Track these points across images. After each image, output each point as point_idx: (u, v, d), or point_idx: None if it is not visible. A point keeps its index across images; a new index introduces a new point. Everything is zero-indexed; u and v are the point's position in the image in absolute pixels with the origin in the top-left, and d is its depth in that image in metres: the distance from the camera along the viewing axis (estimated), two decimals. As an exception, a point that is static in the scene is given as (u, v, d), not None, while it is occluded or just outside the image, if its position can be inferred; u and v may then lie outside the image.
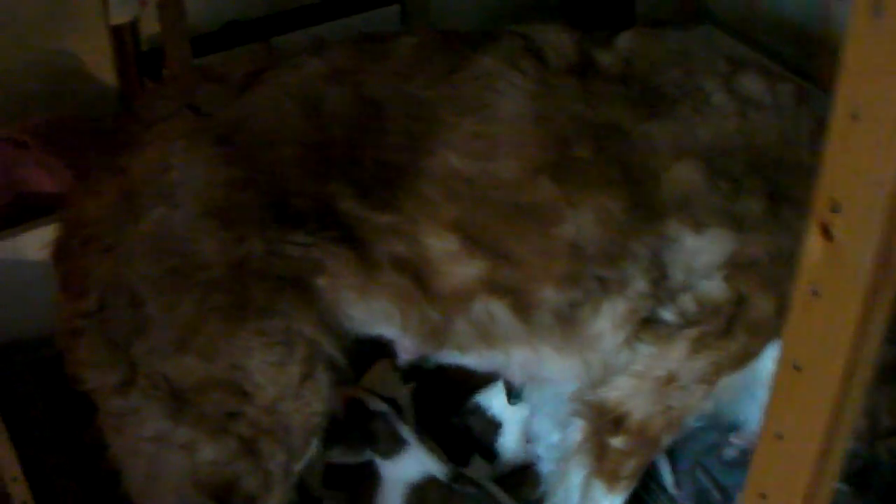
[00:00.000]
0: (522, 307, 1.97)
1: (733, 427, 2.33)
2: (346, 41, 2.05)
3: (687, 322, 1.98)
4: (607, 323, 1.99)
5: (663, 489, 2.39)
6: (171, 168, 1.90)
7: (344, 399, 2.28)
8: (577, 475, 2.17)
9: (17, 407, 2.40)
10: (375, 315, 2.00)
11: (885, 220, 0.89)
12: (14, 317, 2.51)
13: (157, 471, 1.97)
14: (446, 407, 2.44)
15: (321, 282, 1.93)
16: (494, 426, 2.38)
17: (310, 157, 1.92)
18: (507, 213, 1.93)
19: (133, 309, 1.87)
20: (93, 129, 2.84)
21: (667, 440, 2.13)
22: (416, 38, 2.06)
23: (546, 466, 2.35)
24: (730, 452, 2.35)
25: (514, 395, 2.38)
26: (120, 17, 2.55)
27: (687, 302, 1.97)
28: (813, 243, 0.97)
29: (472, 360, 2.12)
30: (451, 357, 2.13)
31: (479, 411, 2.40)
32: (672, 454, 2.38)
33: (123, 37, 2.88)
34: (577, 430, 2.14)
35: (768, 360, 2.03)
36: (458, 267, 1.94)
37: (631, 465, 2.12)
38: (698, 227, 1.93)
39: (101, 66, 2.97)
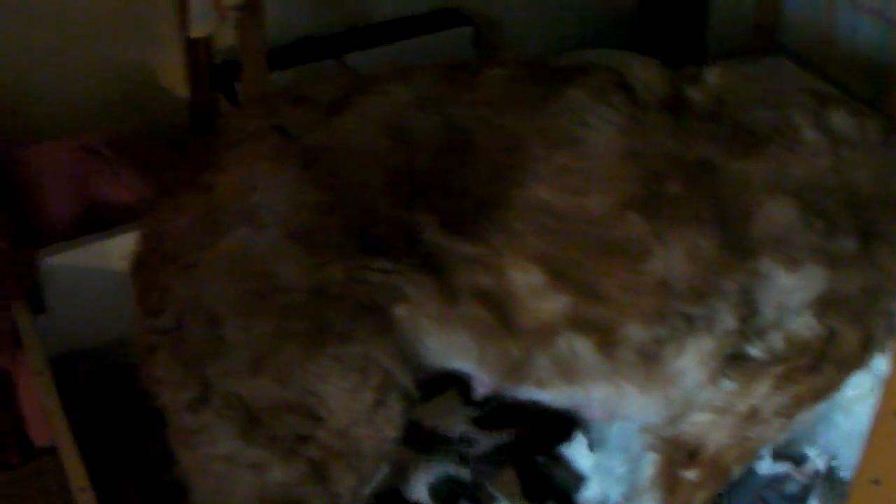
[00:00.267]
0: (606, 344, 1.96)
1: (800, 459, 2.33)
2: (434, 69, 2.05)
3: (774, 358, 1.97)
4: (692, 360, 1.97)
5: None
6: (256, 189, 1.90)
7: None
8: None
9: (82, 417, 2.40)
10: (454, 347, 2.00)
11: None
12: (80, 326, 2.52)
13: (226, 489, 1.97)
14: (528, 444, 2.44)
15: (400, 310, 1.92)
16: (577, 479, 2.37)
17: (396, 185, 1.91)
18: (596, 248, 1.92)
19: (210, 328, 1.87)
20: (165, 141, 2.85)
21: (738, 471, 2.12)
22: (506, 69, 2.05)
23: (613, 500, 2.33)
24: (791, 487, 2.34)
25: (594, 443, 2.37)
26: (200, 30, 2.53)
27: (776, 339, 1.96)
28: None
29: (550, 396, 2.10)
30: (529, 393, 2.11)
31: (564, 463, 2.39)
32: (733, 487, 2.33)
33: (197, 49, 2.89)
34: (650, 465, 2.12)
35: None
36: (542, 301, 1.93)
37: (701, 497, 2.11)
38: (792, 264, 1.92)
39: (173, 78, 2.97)
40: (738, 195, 1.93)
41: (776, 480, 2.35)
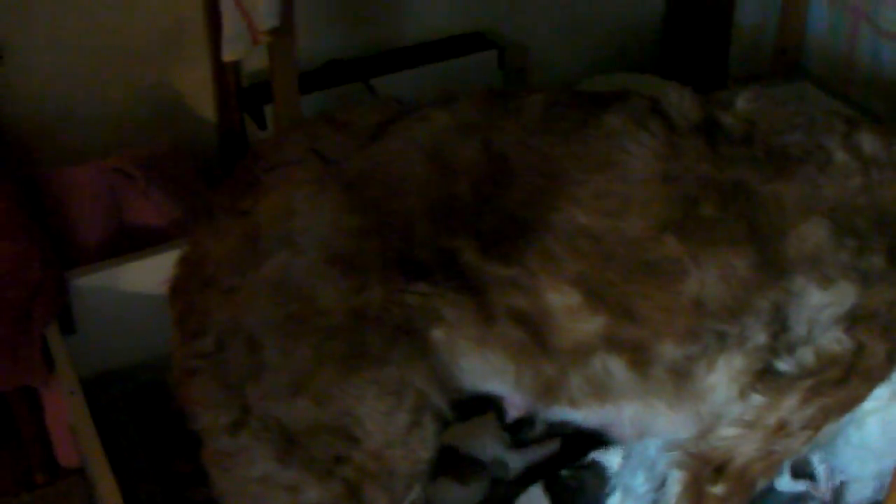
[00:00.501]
0: (640, 363, 1.98)
1: (815, 476, 2.34)
2: (474, 95, 2.08)
3: (803, 372, 2.00)
4: (723, 376, 2.00)
5: None
6: (296, 213, 1.92)
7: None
8: None
9: (112, 436, 2.40)
10: (489, 368, 2.01)
11: None
12: (110, 347, 2.53)
13: None
14: (557, 460, 2.45)
15: (438, 332, 1.94)
16: (607, 485, 2.37)
17: (436, 209, 1.93)
18: (632, 269, 1.94)
19: (250, 352, 1.89)
20: (195, 163, 2.89)
21: (763, 484, 2.13)
22: (544, 96, 2.07)
23: None
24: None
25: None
26: (233, 53, 2.54)
27: (807, 354, 1.99)
28: None
29: (582, 415, 2.12)
30: (561, 413, 2.13)
31: (597, 468, 2.39)
32: None
33: (226, 72, 2.92)
34: (676, 482, 2.13)
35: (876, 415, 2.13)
36: (578, 323, 1.95)
37: None
38: (824, 282, 1.95)
39: (203, 100, 3.02)
40: (771, 216, 1.96)
41: (796, 499, 2.36)
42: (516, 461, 2.42)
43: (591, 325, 1.95)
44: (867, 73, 3.10)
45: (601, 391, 2.02)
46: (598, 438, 2.36)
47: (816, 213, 1.97)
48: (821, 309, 1.97)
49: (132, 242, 2.61)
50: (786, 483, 2.34)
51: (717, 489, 2.09)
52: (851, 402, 2.05)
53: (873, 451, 2.20)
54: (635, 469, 2.35)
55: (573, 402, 2.05)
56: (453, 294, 1.93)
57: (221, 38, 2.58)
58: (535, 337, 1.96)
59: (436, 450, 2.02)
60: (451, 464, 2.35)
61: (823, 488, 2.33)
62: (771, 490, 2.34)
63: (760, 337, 1.97)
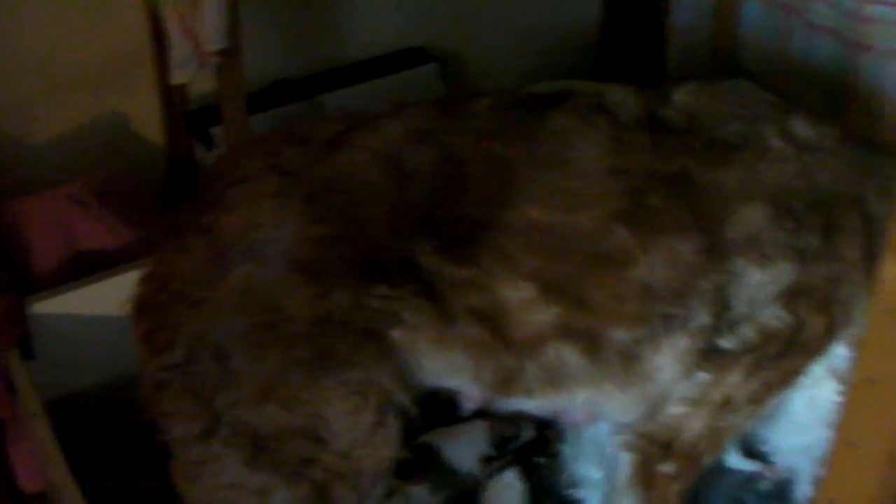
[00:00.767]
0: (592, 349, 2.07)
1: (765, 457, 2.43)
2: (424, 103, 2.18)
3: (746, 349, 2.11)
4: (669, 357, 2.10)
5: None
6: (260, 226, 2.00)
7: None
8: None
9: (78, 457, 2.43)
10: (449, 365, 2.09)
11: None
12: (73, 369, 2.59)
13: None
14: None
15: (399, 334, 2.02)
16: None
17: (394, 215, 2.02)
18: (584, 261, 2.04)
19: (219, 362, 1.96)
20: (148, 188, 2.96)
21: (710, 461, 2.24)
22: (491, 99, 2.19)
23: None
24: (765, 485, 2.44)
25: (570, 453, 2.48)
26: (181, 77, 2.61)
27: (747, 331, 2.10)
28: (889, 268, 1.11)
29: (536, 404, 2.20)
30: (517, 403, 2.21)
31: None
32: (708, 489, 2.45)
33: (173, 96, 2.96)
34: (626, 463, 2.23)
35: (802, 391, 2.25)
36: (534, 315, 2.04)
37: (676, 489, 2.22)
38: (764, 261, 2.07)
39: (151, 126, 3.06)
40: (713, 202, 2.08)
41: (749, 479, 2.45)
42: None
43: (545, 316, 2.04)
44: (801, 67, 3.18)
45: (555, 379, 2.11)
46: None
47: (755, 197, 2.09)
48: (760, 287, 2.08)
49: (88, 267, 2.67)
50: (737, 461, 2.43)
51: (667, 467, 2.19)
52: (792, 375, 2.17)
53: (797, 425, 2.32)
54: (588, 458, 2.45)
55: (529, 392, 2.14)
56: (413, 297, 2.01)
57: (168, 63, 2.64)
58: (493, 332, 2.05)
59: (399, 446, 2.09)
60: (428, 466, 2.44)
61: (776, 469, 2.42)
62: (724, 469, 2.43)
63: (704, 317, 2.07)
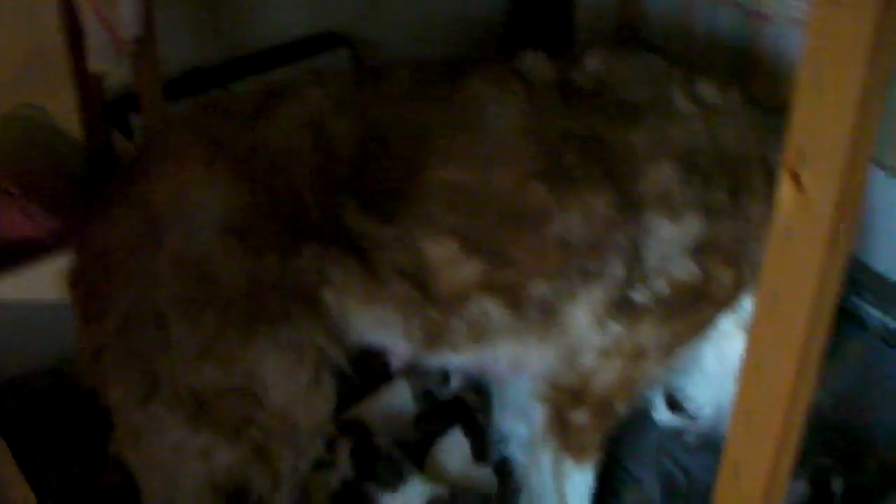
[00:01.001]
0: (514, 303, 2.17)
1: (689, 412, 2.54)
2: (344, 72, 2.28)
3: (657, 300, 2.21)
4: (583, 309, 2.20)
5: (628, 472, 2.57)
6: (191, 193, 2.07)
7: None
8: (546, 458, 2.35)
9: (17, 444, 2.54)
10: (378, 322, 2.18)
11: (843, 168, 1.13)
12: (2, 357, 2.67)
13: (176, 479, 2.13)
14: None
15: (328, 293, 2.10)
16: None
17: (319, 179, 2.10)
18: (503, 217, 2.14)
19: (157, 326, 2.03)
20: (68, 178, 3.03)
21: (623, 410, 2.34)
22: (410, 68, 2.29)
23: (519, 462, 2.52)
24: (690, 439, 2.57)
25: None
26: (100, 65, 2.67)
27: (659, 283, 2.20)
28: (785, 189, 1.20)
29: (461, 359, 2.30)
30: (443, 359, 2.31)
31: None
32: (635, 443, 2.59)
33: (90, 87, 3.03)
34: (541, 414, 2.32)
35: (711, 344, 2.37)
36: (457, 270, 2.13)
37: (593, 438, 2.32)
38: (674, 216, 2.17)
39: (69, 117, 3.11)
40: (625, 161, 2.19)
41: (676, 433, 2.58)
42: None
43: (468, 271, 2.14)
44: (705, 39, 3.29)
45: (480, 333, 2.21)
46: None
47: (664, 155, 2.20)
48: (671, 241, 2.19)
49: (10, 257, 2.75)
50: (663, 414, 2.55)
51: (580, 416, 2.29)
52: (701, 326, 2.29)
53: (708, 378, 2.44)
54: (511, 413, 2.56)
55: (454, 347, 2.24)
56: (341, 257, 2.10)
57: (87, 52, 2.71)
58: (419, 289, 2.15)
59: (334, 404, 2.18)
60: (358, 442, 2.52)
61: (700, 423, 2.53)
62: (650, 423, 2.56)
63: (618, 270, 2.18)
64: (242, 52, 3.41)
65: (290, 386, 2.10)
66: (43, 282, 2.31)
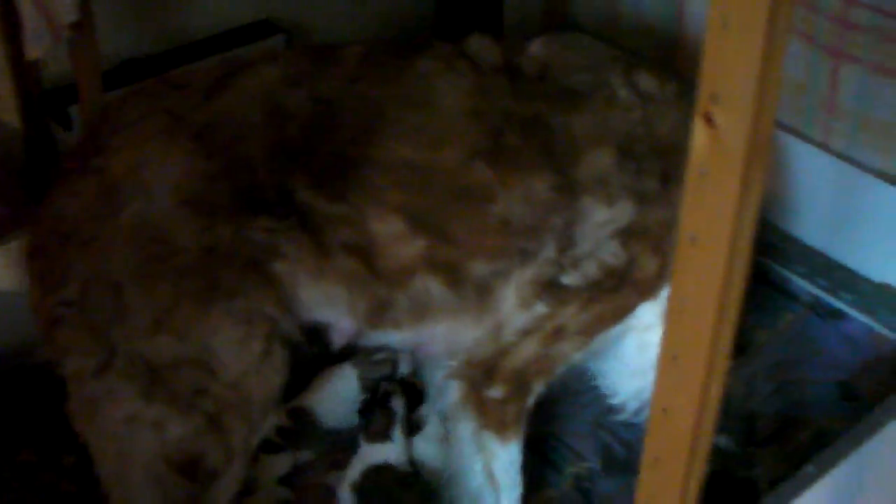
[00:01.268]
0: (455, 281, 2.27)
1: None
2: (298, 50, 2.37)
3: (586, 284, 2.31)
4: (512, 289, 2.30)
5: (568, 447, 2.62)
6: (148, 164, 2.15)
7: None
8: (465, 432, 2.40)
9: None
10: (325, 297, 2.27)
11: (754, 107, 1.22)
12: None
13: (129, 451, 2.17)
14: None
15: (279, 266, 2.19)
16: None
17: (273, 153, 2.19)
18: (448, 195, 2.24)
19: (113, 296, 2.10)
20: (7, 169, 3.07)
21: (539, 387, 2.39)
22: (361, 47, 2.39)
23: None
24: (624, 414, 2.66)
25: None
26: (36, 51, 2.66)
27: (590, 268, 2.31)
28: (699, 130, 1.29)
29: (401, 337, 2.39)
30: (384, 336, 2.40)
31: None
32: (573, 419, 2.65)
33: (26, 76, 3.01)
34: (454, 390, 2.40)
35: (633, 335, 2.47)
36: (402, 247, 2.23)
37: (511, 412, 2.36)
38: (608, 200, 2.28)
39: (5, 107, 3.09)
40: (566, 144, 2.31)
41: (612, 409, 2.66)
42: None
43: (413, 248, 2.26)
44: (631, 20, 3.41)
45: (421, 310, 2.31)
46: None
47: (603, 141, 2.33)
48: (603, 225, 2.31)
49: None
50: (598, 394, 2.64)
51: (494, 391, 2.37)
52: (623, 311, 2.39)
53: (629, 368, 2.54)
54: (435, 394, 2.64)
55: (397, 324, 2.34)
56: (292, 231, 2.20)
57: (23, 38, 2.70)
58: (366, 265, 2.24)
59: (286, 377, 2.26)
60: (306, 430, 2.59)
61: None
62: (587, 399, 2.65)
63: (551, 252, 2.29)
64: (177, 42, 3.45)
65: (243, 357, 2.18)
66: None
